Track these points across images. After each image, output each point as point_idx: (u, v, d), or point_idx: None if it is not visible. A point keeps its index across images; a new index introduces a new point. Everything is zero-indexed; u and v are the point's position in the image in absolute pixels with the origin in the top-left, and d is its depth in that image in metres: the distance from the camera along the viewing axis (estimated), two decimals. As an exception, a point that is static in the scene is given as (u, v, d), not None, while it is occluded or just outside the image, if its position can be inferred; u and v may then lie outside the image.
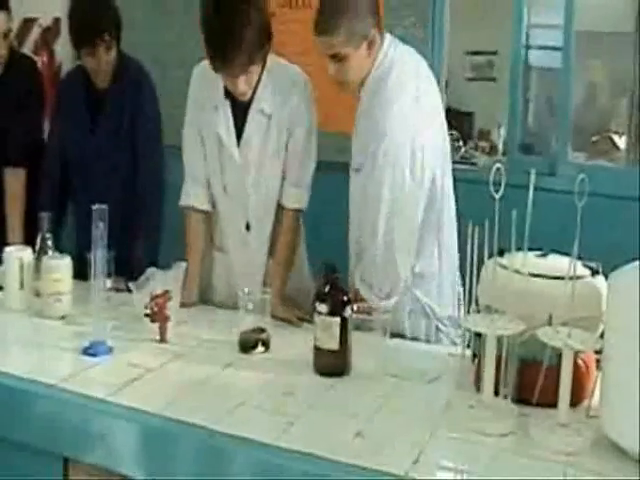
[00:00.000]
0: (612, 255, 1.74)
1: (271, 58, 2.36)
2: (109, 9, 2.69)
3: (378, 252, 2.18)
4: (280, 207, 2.43)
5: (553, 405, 1.61)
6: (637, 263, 1.53)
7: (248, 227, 2.44)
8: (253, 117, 2.36)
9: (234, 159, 2.39)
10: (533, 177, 1.61)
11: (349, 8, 2.14)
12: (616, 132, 3.73)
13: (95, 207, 1.98)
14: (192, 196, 2.47)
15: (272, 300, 2.10)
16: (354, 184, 2.25)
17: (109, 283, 2.18)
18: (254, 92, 2.34)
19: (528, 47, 3.88)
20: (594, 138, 3.91)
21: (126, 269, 2.37)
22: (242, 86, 2.28)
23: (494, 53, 5.64)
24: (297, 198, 2.42)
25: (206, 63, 2.27)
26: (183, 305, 2.25)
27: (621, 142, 3.68)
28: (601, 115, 4.07)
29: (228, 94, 2.36)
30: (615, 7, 4.24)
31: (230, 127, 2.38)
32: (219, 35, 2.17)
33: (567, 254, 1.65)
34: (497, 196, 1.63)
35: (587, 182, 1.52)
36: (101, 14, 2.66)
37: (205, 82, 2.39)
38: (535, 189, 1.65)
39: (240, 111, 2.37)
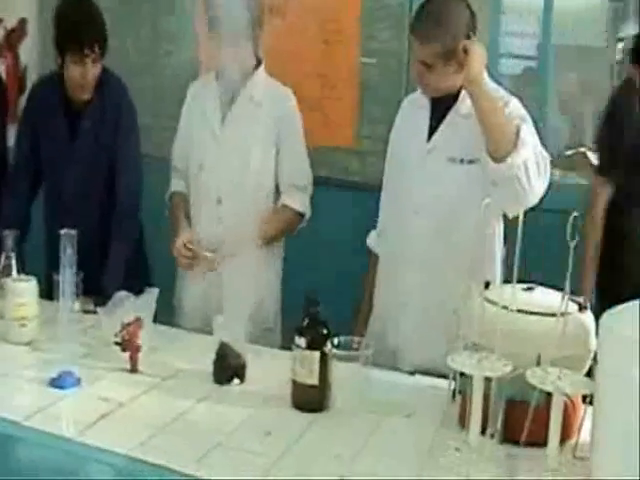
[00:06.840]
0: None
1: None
2: (99, 21, 2.59)
3: None
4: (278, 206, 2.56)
5: (541, 444, 1.56)
6: (630, 304, 1.48)
7: (220, 201, 2.53)
8: (242, 100, 2.50)
9: (216, 134, 2.51)
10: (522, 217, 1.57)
11: (449, 23, 2.12)
12: (590, 148, 3.70)
13: (64, 232, 1.90)
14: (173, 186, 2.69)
15: None
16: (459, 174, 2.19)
17: (77, 305, 2.09)
18: (248, 80, 2.49)
19: (501, 55, 3.83)
20: (568, 152, 3.88)
21: (95, 288, 2.30)
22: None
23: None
24: (301, 201, 2.56)
25: (198, 82, 2.65)
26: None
27: (594, 158, 3.65)
28: (575, 130, 4.04)
29: (216, 78, 2.54)
30: (588, 21, 4.22)
31: (217, 106, 2.52)
32: None
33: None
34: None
35: (579, 219, 1.48)
36: (92, 23, 2.56)
37: (199, 97, 2.60)
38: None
39: (229, 96, 2.51)
